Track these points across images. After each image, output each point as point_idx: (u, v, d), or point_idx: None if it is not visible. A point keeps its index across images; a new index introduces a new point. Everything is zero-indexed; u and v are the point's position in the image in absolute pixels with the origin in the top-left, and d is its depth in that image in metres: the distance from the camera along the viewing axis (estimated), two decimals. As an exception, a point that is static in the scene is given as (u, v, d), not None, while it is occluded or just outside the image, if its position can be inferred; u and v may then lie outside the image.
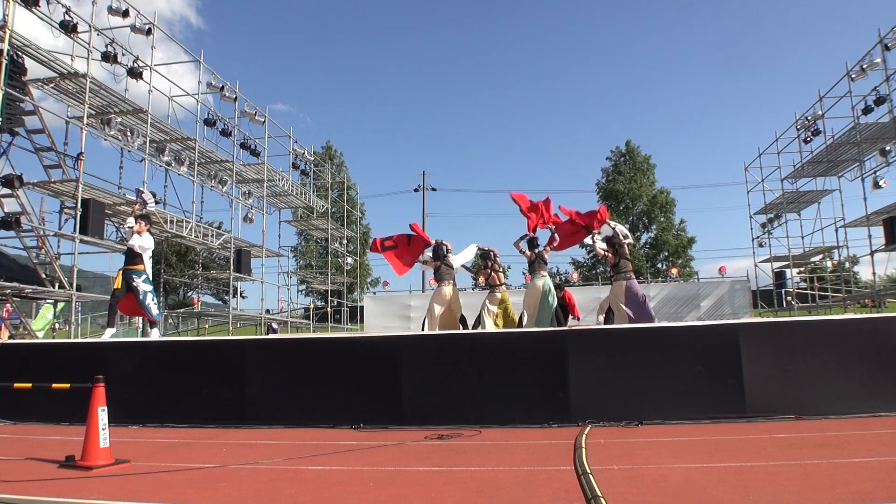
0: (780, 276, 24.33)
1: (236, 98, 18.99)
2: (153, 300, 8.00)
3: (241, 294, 32.76)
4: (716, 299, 21.67)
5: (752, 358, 5.96)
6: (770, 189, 23.76)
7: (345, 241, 28.79)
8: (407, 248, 9.48)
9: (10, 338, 13.53)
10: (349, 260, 28.83)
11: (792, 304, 22.74)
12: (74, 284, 12.86)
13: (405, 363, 6.39)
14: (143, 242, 7.91)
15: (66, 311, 16.07)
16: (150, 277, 8.06)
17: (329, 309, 27.04)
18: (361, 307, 26.42)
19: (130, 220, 8.04)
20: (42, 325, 15.65)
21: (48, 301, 15.33)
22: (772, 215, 24.09)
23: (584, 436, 5.12)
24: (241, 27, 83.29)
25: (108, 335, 8.08)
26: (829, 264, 29.64)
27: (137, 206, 8.59)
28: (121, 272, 7.98)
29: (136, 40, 15.01)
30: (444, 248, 9.22)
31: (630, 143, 39.52)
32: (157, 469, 4.34)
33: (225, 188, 18.94)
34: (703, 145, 71.63)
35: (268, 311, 22.83)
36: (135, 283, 7.82)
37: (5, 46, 11.19)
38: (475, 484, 3.72)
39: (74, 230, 12.78)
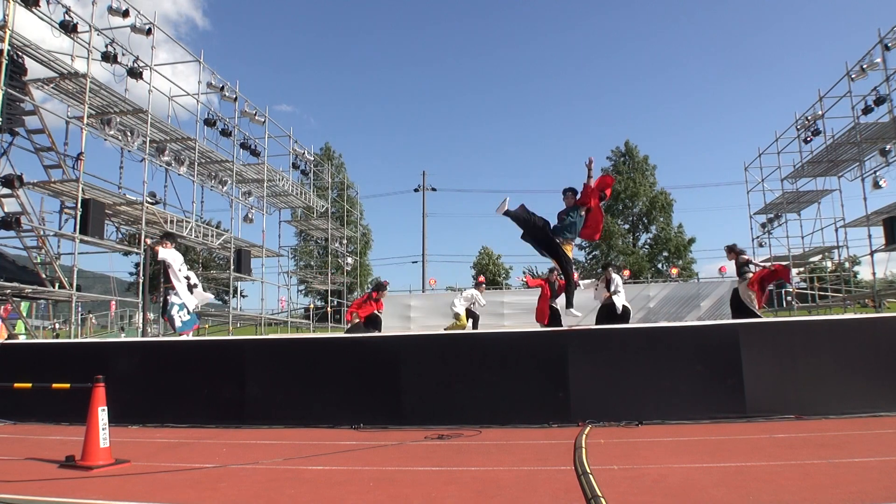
0: (780, 276, 24.27)
1: (236, 98, 18.97)
2: (178, 312, 8.20)
3: (241, 294, 32.79)
4: (716, 299, 21.63)
5: (752, 358, 5.96)
6: (770, 189, 23.75)
7: (345, 241, 28.77)
8: None
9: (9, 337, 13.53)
10: (349, 260, 28.80)
11: (792, 304, 22.72)
12: (74, 284, 12.87)
13: (405, 363, 6.39)
14: (166, 256, 8.17)
15: (66, 310, 16.07)
16: (179, 290, 8.21)
17: (329, 309, 27.01)
18: (361, 307, 26.33)
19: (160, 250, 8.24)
20: (21, 330, 15.74)
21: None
22: (772, 215, 24.07)
23: (584, 436, 5.11)
24: (246, 29, 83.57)
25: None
26: (829, 264, 29.60)
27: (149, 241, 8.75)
28: None
29: (140, 41, 15.03)
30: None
31: (629, 142, 39.71)
32: (157, 469, 4.34)
33: (225, 188, 18.93)
34: (703, 145, 71.85)
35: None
36: (167, 297, 8.18)
37: (5, 46, 11.19)
38: (475, 484, 3.72)
39: (74, 230, 12.77)
